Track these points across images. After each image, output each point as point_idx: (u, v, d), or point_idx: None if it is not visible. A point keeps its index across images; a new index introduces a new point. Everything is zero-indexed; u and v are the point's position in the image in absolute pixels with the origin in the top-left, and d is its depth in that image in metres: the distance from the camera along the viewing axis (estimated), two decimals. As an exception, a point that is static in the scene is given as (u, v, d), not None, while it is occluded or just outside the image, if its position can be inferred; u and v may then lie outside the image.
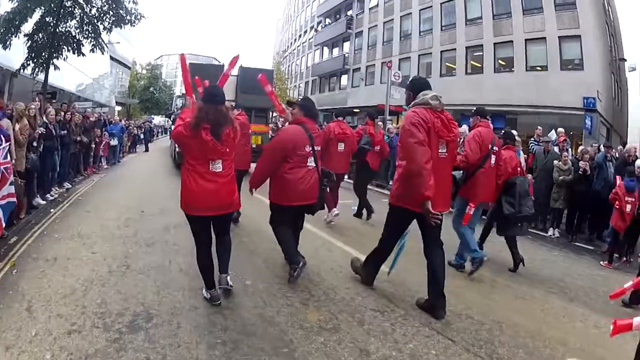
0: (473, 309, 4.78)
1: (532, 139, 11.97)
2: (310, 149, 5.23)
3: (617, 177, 8.15)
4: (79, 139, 11.60)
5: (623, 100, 28.80)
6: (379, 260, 5.08)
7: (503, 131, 7.14)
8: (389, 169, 14.69)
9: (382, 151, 9.23)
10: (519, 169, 6.59)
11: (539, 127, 12.38)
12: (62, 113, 10.38)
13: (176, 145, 14.64)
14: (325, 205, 7.50)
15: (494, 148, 6.04)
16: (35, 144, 8.11)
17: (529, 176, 9.27)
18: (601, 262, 7.87)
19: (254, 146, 11.87)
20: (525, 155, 10.73)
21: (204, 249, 4.47)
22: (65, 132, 10.14)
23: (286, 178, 5.13)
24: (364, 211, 9.14)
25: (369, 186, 9.54)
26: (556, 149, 10.42)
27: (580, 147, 10.79)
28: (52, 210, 8.49)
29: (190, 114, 4.31)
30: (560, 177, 9.38)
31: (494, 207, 6.51)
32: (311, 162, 5.26)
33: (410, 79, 5.13)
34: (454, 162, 4.93)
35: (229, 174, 4.33)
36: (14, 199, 6.56)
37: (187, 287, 4.83)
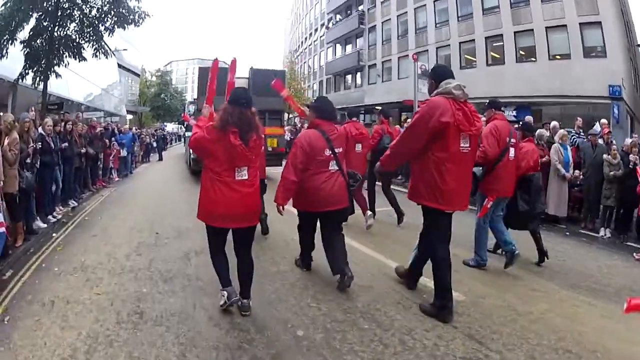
0: (567, 339, 3.98)
1: (572, 131, 11.09)
2: (330, 152, 4.93)
3: (638, 168, 7.90)
4: (83, 151, 10.42)
5: (641, 87, 28.06)
6: (445, 291, 4.38)
7: (521, 123, 7.13)
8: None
9: None
10: (539, 161, 6.53)
11: (578, 118, 11.64)
12: (62, 123, 9.22)
13: (191, 151, 14.12)
14: (360, 210, 7.71)
15: (512, 140, 5.81)
16: (29, 160, 6.98)
17: (577, 172, 8.93)
18: (634, 254, 7.36)
19: (269, 149, 11.84)
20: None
21: (219, 257, 4.35)
22: (67, 144, 8.99)
23: (306, 186, 4.89)
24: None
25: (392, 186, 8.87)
26: (600, 141, 9.54)
27: (628, 139, 10.00)
28: (54, 234, 7.37)
29: (206, 122, 4.28)
30: (611, 173, 8.51)
31: (509, 201, 6.11)
32: (333, 166, 4.97)
33: (433, 67, 4.84)
34: (475, 158, 4.69)
35: (254, 183, 4.12)
36: (4, 230, 5.46)
37: (222, 346, 3.65)
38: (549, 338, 3.97)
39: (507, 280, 5.58)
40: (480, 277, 5.57)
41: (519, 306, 4.66)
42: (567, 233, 8.55)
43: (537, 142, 8.92)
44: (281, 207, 4.97)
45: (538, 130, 9.62)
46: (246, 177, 4.02)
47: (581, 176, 9.20)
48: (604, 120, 11.13)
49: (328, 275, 5.19)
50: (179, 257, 6.04)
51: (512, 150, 5.79)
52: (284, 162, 13.08)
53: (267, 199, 5.79)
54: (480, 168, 5.70)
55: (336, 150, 4.97)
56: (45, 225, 7.70)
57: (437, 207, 4.25)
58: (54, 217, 8.30)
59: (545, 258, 6.33)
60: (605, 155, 8.67)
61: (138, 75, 53.78)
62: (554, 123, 10.55)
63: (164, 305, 4.45)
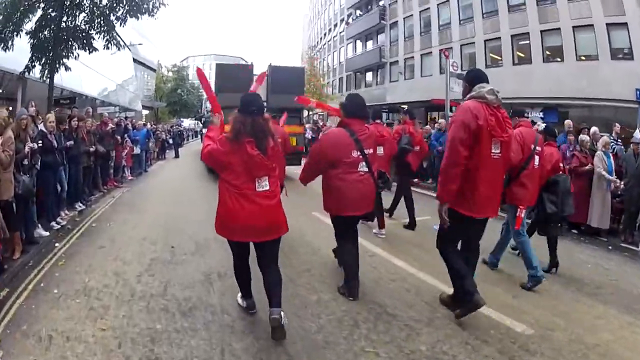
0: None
1: (610, 137, 10.40)
2: (359, 153, 4.69)
3: None
4: (92, 149, 9.54)
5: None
6: (463, 278, 4.26)
7: (544, 126, 6.99)
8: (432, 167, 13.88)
9: (422, 151, 8.76)
10: (560, 165, 6.34)
11: (617, 124, 11.04)
12: (67, 120, 8.28)
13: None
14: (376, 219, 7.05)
15: (537, 148, 5.67)
16: (26, 161, 6.11)
17: (618, 181, 8.50)
18: None
19: (289, 149, 11.25)
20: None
21: (242, 270, 4.15)
22: (72, 142, 8.07)
23: (333, 185, 4.72)
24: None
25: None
26: (641, 150, 8.93)
27: None
28: (56, 245, 6.50)
29: (218, 132, 4.13)
30: (654, 184, 7.73)
31: (536, 206, 6.06)
32: (363, 168, 4.73)
33: (467, 71, 4.72)
34: (507, 165, 4.57)
35: (276, 194, 3.85)
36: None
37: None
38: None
39: (567, 305, 5.01)
40: (540, 304, 4.96)
41: (586, 338, 4.17)
42: (610, 247, 7.92)
43: (580, 149, 8.90)
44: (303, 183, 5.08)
45: (580, 136, 9.31)
46: (267, 188, 3.75)
47: (622, 186, 8.51)
48: (645, 130, 10.53)
49: (378, 305, 4.54)
50: (199, 280, 5.12)
51: (537, 159, 5.67)
52: (303, 162, 13.46)
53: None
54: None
55: (366, 152, 4.73)
56: (48, 234, 6.84)
57: (467, 214, 4.11)
58: (57, 223, 7.42)
59: (555, 270, 6.18)
60: None
61: (154, 70, 53.43)
62: (594, 129, 9.84)
63: (184, 349, 3.55)
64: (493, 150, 4.07)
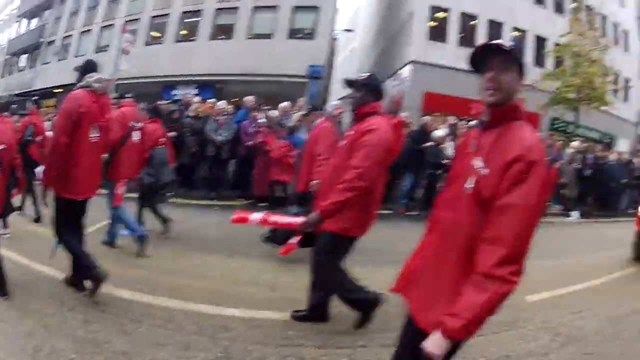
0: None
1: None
2: None
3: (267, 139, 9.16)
4: None
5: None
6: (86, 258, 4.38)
7: (152, 106, 7.86)
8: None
9: (44, 140, 8.27)
10: (162, 139, 7.13)
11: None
12: None
13: None
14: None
15: (138, 124, 6.27)
16: None
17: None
18: None
19: None
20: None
21: None
22: None
23: None
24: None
25: None
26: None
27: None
28: None
29: None
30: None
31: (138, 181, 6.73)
32: None
33: (82, 62, 4.89)
34: (106, 147, 5.03)
35: None
36: None
37: None
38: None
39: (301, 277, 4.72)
40: (279, 286, 5.11)
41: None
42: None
43: (268, 125, 9.67)
44: None
45: (268, 112, 10.10)
46: None
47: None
48: (336, 102, 11.24)
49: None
50: None
51: (135, 134, 6.18)
52: None
53: None
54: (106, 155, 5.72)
55: None
56: None
57: (70, 197, 4.35)
58: None
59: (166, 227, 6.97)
60: None
61: None
62: (283, 104, 10.76)
63: None
64: (92, 135, 4.41)
